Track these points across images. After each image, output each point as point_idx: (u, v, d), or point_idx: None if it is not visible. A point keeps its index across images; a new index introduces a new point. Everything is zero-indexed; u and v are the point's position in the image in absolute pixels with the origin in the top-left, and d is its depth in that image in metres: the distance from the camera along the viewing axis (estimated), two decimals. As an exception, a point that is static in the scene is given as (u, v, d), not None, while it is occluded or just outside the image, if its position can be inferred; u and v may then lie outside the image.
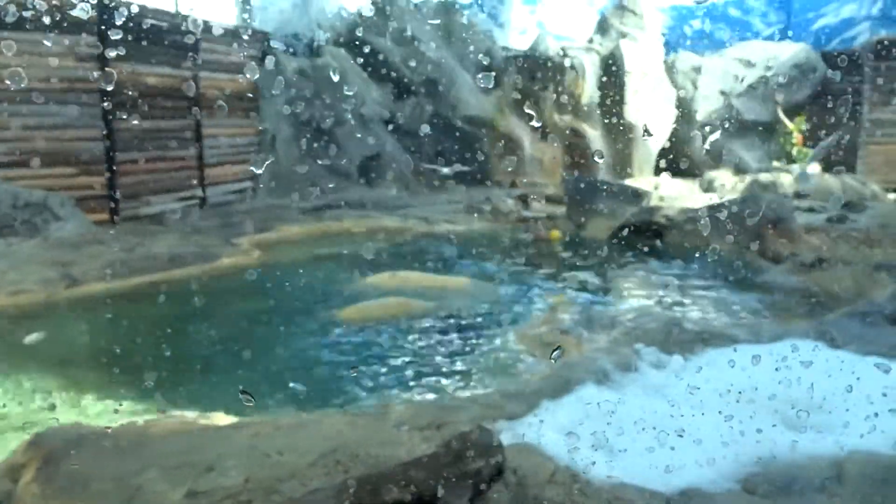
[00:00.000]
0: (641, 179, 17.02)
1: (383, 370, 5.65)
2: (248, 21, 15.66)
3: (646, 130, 17.92)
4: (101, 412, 4.69)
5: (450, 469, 3.06)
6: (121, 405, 4.72)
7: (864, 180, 15.33)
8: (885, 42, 17.11)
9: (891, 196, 14.70)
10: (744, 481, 3.25)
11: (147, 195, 12.01)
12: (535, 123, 18.46)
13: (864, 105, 17.76)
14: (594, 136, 18.89)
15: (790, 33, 21.31)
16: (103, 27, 10.89)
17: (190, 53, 13.03)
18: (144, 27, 11.48)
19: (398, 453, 3.38)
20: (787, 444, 3.48)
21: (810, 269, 8.58)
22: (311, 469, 3.20)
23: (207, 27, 13.43)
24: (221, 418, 4.31)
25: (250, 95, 15.12)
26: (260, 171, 14.86)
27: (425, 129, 15.95)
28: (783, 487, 3.18)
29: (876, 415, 3.70)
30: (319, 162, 15.53)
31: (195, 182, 13.33)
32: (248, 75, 15.03)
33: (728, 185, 16.31)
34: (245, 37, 14.80)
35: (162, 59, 12.31)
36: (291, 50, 16.32)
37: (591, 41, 19.96)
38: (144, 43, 11.49)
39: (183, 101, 12.87)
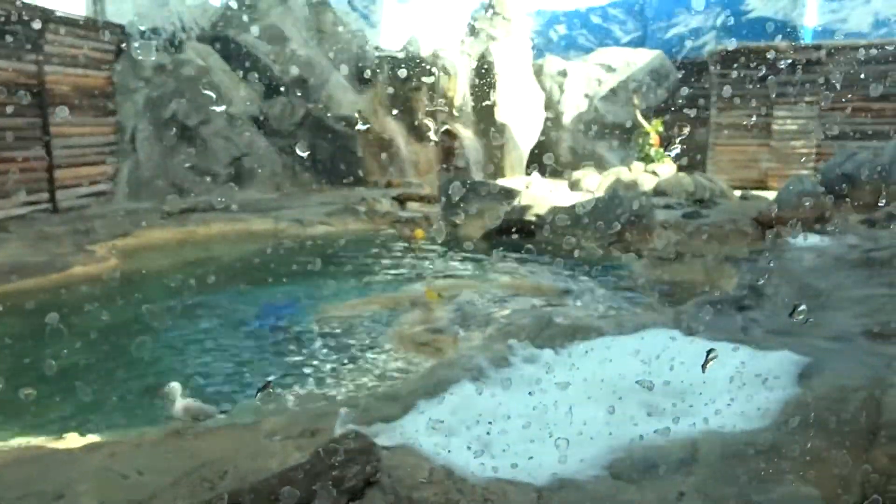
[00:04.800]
0: (513, 179, 17.48)
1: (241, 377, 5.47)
2: (100, 12, 14.61)
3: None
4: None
5: (324, 477, 2.98)
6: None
7: (713, 178, 16.50)
8: (728, 52, 18.51)
9: (737, 193, 15.90)
10: (609, 467, 3.39)
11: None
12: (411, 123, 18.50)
13: (711, 109, 19.16)
14: (467, 137, 19.22)
15: (670, 50, 22.58)
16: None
17: (34, 45, 11.99)
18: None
19: (270, 465, 3.26)
20: (649, 429, 3.66)
21: (668, 262, 9.16)
22: (173, 488, 3.02)
23: (53, 17, 12.41)
24: (74, 440, 3.98)
25: (105, 92, 14.15)
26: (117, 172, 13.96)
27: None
28: (645, 470, 3.34)
29: (726, 396, 3.99)
30: (184, 162, 14.77)
31: (43, 185, 12.30)
32: (101, 70, 14.08)
33: (593, 183, 17.09)
34: (97, 29, 13.82)
35: (0, 51, 11.26)
36: (151, 44, 15.41)
37: (462, 44, 20.30)
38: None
39: (27, 97, 11.82)
